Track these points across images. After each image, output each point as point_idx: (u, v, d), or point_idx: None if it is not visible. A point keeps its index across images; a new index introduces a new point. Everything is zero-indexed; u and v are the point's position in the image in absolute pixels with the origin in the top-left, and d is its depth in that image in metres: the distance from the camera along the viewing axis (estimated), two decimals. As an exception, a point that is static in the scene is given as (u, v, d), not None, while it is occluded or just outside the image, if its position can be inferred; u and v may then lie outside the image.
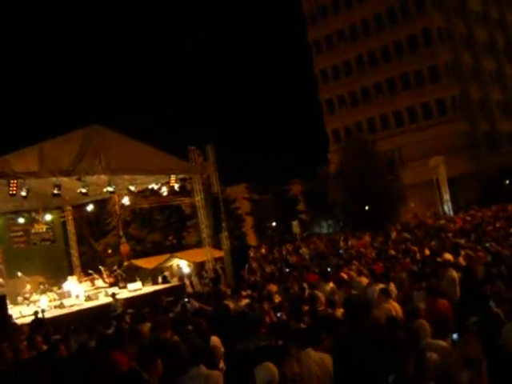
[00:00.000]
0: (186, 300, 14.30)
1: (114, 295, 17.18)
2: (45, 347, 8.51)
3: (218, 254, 25.25)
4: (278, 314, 8.01)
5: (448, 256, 12.18)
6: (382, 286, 9.24)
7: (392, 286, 9.65)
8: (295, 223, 39.85)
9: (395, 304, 7.88)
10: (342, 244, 28.03)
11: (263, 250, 35.93)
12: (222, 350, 6.61)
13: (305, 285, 11.44)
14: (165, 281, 24.02)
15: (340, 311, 7.43)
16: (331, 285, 10.71)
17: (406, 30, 54.95)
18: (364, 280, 10.91)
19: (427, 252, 14.76)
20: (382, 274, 10.70)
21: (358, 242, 27.21)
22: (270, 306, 8.97)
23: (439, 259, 12.04)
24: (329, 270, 14.42)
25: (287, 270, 18.41)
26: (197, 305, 12.38)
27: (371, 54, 57.73)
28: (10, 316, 16.12)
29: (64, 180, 19.02)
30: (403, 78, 56.49)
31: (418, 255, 14.19)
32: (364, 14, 57.03)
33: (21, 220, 24.28)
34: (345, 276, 11.18)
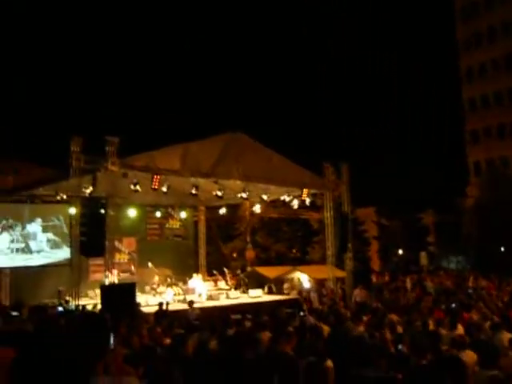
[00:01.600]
0: (303, 314, 14.28)
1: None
2: (167, 339, 8.90)
3: (340, 273, 25.01)
4: (399, 346, 7.77)
5: None
6: (509, 335, 8.70)
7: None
8: (423, 254, 38.49)
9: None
10: (471, 283, 26.61)
11: (386, 277, 35.04)
12: (333, 376, 6.51)
13: (430, 321, 10.98)
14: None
15: (465, 354, 7.06)
16: (458, 325, 10.20)
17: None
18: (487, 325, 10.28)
19: None
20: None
21: (488, 283, 25.70)
22: (391, 336, 8.73)
23: None
24: (453, 306, 13.81)
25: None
26: (313, 321, 12.31)
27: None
28: (138, 303, 17.01)
29: (201, 181, 19.81)
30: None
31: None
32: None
33: (158, 214, 25.60)
34: (474, 317, 10.61)
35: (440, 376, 5.37)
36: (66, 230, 21.87)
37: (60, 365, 1.81)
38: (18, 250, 21.35)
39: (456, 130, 58.68)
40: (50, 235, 22.04)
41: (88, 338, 2.61)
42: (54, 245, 21.98)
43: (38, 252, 21.75)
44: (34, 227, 21.75)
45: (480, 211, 42.47)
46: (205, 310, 17.94)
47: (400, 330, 9.67)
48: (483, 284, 25.41)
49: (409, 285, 28.07)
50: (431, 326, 9.88)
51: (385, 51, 70.55)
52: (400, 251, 48.98)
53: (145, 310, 16.95)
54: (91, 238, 16.56)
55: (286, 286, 25.95)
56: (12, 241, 21.26)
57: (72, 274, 19.05)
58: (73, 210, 19.81)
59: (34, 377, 1.82)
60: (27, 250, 21.52)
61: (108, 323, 2.94)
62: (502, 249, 39.77)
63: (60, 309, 16.14)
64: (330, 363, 6.49)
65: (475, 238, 41.37)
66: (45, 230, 21.94)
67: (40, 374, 1.83)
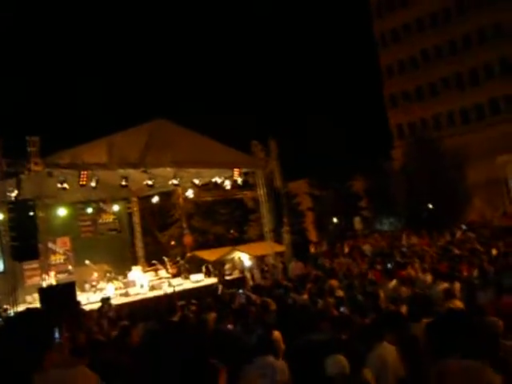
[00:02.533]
0: (241, 292, 14.46)
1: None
2: (114, 332, 8.86)
3: (279, 248, 25.41)
4: (342, 309, 8.05)
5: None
6: (446, 285, 9.13)
7: (456, 286, 9.50)
8: (357, 219, 39.48)
9: (459, 303, 7.76)
10: (404, 242, 27.64)
11: (324, 246, 35.86)
12: (283, 346, 6.69)
13: (367, 281, 11.39)
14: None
15: (403, 308, 7.39)
16: (394, 282, 10.63)
17: (475, 23, 53.20)
18: (428, 279, 10.78)
19: (494, 252, 14.40)
20: (446, 274, 10.55)
21: (420, 240, 26.78)
22: (332, 300, 9.01)
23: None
24: (389, 266, 14.30)
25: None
26: (257, 297, 12.51)
27: (438, 47, 56.30)
28: (79, 302, 16.76)
29: (131, 172, 19.60)
30: (471, 73, 54.80)
31: (484, 256, 13.85)
32: (432, 7, 55.63)
33: (89, 210, 25.13)
34: (410, 273, 11.08)
35: (381, 332, 5.61)
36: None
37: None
38: None
39: (376, 96, 60.16)
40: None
41: (28, 333, 2.59)
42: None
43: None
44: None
45: (406, 173, 43.93)
46: (148, 301, 17.91)
47: (341, 293, 9.97)
48: (415, 241, 26.45)
49: (346, 250, 28.89)
50: (368, 287, 10.24)
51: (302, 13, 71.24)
52: (335, 219, 50.05)
53: (87, 307, 16.71)
54: (23, 242, 16.14)
55: (227, 266, 26.14)
56: None
57: (6, 281, 18.50)
58: (0, 216, 19.21)
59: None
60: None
61: (48, 316, 2.93)
62: (430, 206, 41.35)
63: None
64: (277, 334, 6.65)
65: (404, 199, 42.81)
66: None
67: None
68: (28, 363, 2.24)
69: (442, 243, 22.26)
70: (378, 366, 5.06)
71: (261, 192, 24.69)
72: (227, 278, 23.21)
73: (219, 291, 17.98)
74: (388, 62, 59.95)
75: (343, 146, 45.55)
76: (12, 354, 2.07)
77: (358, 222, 39.19)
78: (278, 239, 25.71)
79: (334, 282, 12.18)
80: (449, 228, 30.23)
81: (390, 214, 49.69)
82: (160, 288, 21.52)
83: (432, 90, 57.24)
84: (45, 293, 16.34)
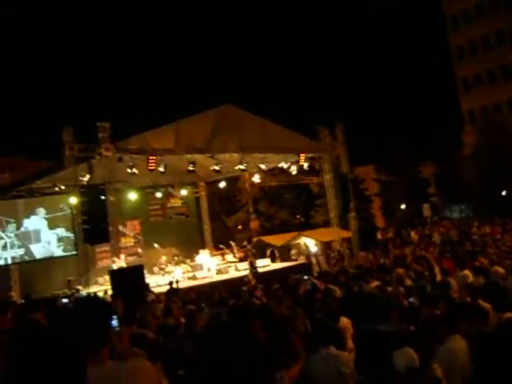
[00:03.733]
0: (306, 278, 14.35)
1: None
2: (181, 317, 8.95)
3: (346, 234, 25.11)
4: (411, 299, 7.81)
5: None
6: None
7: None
8: (426, 206, 38.54)
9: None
10: (475, 230, 26.77)
11: (390, 233, 35.23)
12: (352, 331, 6.59)
13: (437, 270, 11.04)
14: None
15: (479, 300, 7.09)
16: (467, 272, 10.25)
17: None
18: (499, 269, 10.33)
19: None
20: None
21: (492, 228, 25.85)
22: (401, 290, 8.78)
23: None
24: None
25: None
26: (323, 284, 12.39)
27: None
28: (148, 285, 17.10)
29: (198, 157, 19.76)
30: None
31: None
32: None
33: (158, 194, 25.58)
34: (484, 263, 10.66)
35: (454, 324, 5.38)
36: (68, 220, 21.90)
37: (57, 346, 1.77)
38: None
39: (447, 80, 58.18)
40: (54, 228, 22.06)
41: (87, 322, 2.56)
42: (58, 236, 22.04)
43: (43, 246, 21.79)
44: (36, 222, 21.71)
45: (478, 159, 42.40)
46: (215, 285, 18.06)
47: (409, 282, 9.72)
48: (487, 230, 25.56)
49: (415, 238, 28.26)
50: (439, 276, 9.92)
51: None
52: (403, 206, 49.08)
53: (155, 290, 17.03)
54: (94, 226, 16.55)
55: (293, 252, 26.09)
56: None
57: (79, 263, 19.14)
58: (73, 200, 19.82)
59: (29, 353, 1.77)
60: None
61: (108, 305, 2.90)
62: (504, 193, 39.83)
63: (65, 300, 16.10)
64: (346, 321, 6.55)
65: (475, 185, 41.38)
66: (49, 223, 21.95)
67: (35, 350, 1.76)
68: (83, 354, 2.18)
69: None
70: (447, 361, 4.82)
71: (327, 177, 24.43)
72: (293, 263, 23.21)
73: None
74: (460, 43, 57.72)
75: (413, 131, 44.45)
76: (67, 344, 2.02)
77: (426, 209, 38.27)
78: (344, 225, 25.41)
79: (401, 271, 11.89)
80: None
81: (461, 201, 48.25)
82: (227, 272, 21.72)
83: (506, 73, 54.71)
84: (115, 275, 16.74)
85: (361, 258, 20.89)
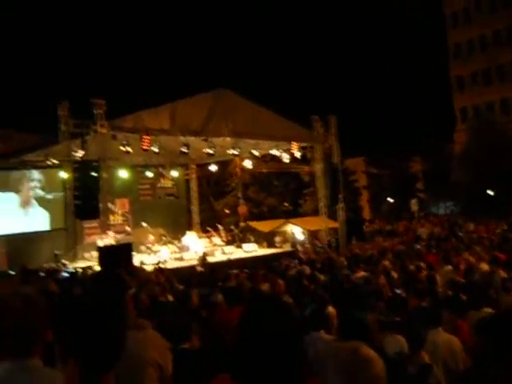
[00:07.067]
0: (295, 262, 14.54)
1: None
2: (169, 296, 9.09)
3: (333, 224, 25.34)
4: (398, 291, 8.01)
5: None
6: (503, 273, 8.99)
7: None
8: (413, 201, 38.94)
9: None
10: (461, 227, 27.08)
11: (377, 225, 35.52)
12: (336, 320, 6.75)
13: (422, 264, 11.25)
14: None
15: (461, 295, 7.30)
16: (450, 267, 10.49)
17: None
18: (484, 266, 10.57)
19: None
20: (505, 262, 10.34)
21: (478, 226, 26.17)
22: (387, 281, 8.99)
23: None
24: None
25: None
26: (309, 271, 12.57)
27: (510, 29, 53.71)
28: (142, 262, 17.19)
29: (191, 139, 19.80)
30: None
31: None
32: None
33: (149, 174, 25.61)
34: (469, 259, 10.90)
35: (438, 316, 5.56)
36: (59, 194, 21.88)
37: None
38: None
39: (441, 77, 58.40)
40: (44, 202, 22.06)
41: (110, 294, 2.68)
42: (48, 209, 22.04)
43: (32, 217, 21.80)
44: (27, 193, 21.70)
45: (467, 157, 42.72)
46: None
47: (395, 274, 9.93)
48: (472, 227, 25.87)
49: (401, 230, 28.59)
50: (424, 270, 10.14)
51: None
52: (390, 199, 49.46)
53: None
54: (85, 202, 16.62)
55: (277, 239, 26.11)
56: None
57: (67, 237, 19.20)
58: (64, 175, 19.83)
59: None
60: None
61: (121, 279, 3.04)
62: (491, 193, 40.21)
63: (65, 274, 16.23)
64: (332, 309, 6.70)
65: (464, 183, 41.73)
66: (38, 195, 21.94)
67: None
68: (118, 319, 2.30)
69: (499, 231, 21.72)
70: (429, 354, 4.95)
71: (318, 167, 24.63)
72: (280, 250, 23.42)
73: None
74: (457, 41, 57.80)
75: (404, 126, 44.70)
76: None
77: (414, 204, 38.65)
78: (331, 215, 25.64)
79: (388, 263, 12.12)
80: (507, 217, 29.33)
81: (448, 198, 48.69)
82: (213, 255, 21.85)
83: (500, 73, 54.93)
84: (104, 251, 16.87)
85: (354, 247, 21.12)
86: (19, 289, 2.16)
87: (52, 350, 1.97)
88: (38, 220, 21.80)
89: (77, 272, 16.17)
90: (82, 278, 12.98)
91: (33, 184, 21.76)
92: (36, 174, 21.92)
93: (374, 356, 2.11)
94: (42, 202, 21.94)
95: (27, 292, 2.18)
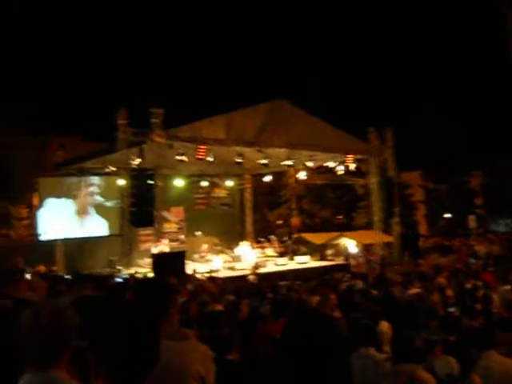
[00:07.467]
0: (349, 278, 14.37)
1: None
2: (218, 306, 9.13)
3: (387, 238, 24.93)
4: (451, 309, 7.80)
5: None
6: None
7: None
8: (472, 217, 37.84)
9: None
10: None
11: (433, 241, 34.74)
12: (390, 335, 6.64)
13: (479, 283, 10.94)
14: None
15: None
16: (509, 287, 10.15)
17: None
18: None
19: None
20: None
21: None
22: (441, 299, 8.77)
23: None
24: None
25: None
26: (362, 285, 12.41)
27: None
28: (194, 270, 17.34)
29: (246, 150, 19.93)
30: None
31: None
32: None
33: (204, 183, 25.90)
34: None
35: (492, 337, 5.37)
36: (116, 201, 22.37)
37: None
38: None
39: (503, 93, 56.69)
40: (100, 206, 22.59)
41: (157, 300, 2.71)
42: (104, 216, 22.56)
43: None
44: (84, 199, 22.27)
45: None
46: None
47: (450, 293, 9.67)
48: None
49: (457, 246, 27.88)
50: (481, 289, 9.85)
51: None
52: (448, 215, 48.31)
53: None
54: (141, 209, 16.91)
55: (329, 251, 25.85)
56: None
57: (123, 244, 19.58)
58: (121, 182, 20.26)
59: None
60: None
61: (174, 287, 3.06)
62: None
63: (118, 280, 16.58)
64: (385, 325, 6.61)
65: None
66: (95, 201, 22.49)
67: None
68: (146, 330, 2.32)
69: None
70: (483, 376, 4.73)
71: (373, 180, 24.34)
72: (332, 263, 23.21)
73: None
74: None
75: (464, 139, 43.65)
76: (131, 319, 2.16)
77: (472, 220, 37.58)
78: (386, 229, 25.23)
79: (443, 280, 11.82)
80: None
81: (508, 216, 47.19)
82: (265, 266, 21.84)
83: None
84: (157, 258, 17.11)
85: (409, 262, 20.72)
86: (50, 301, 2.21)
87: (86, 364, 2.01)
88: (94, 226, 22.34)
89: (129, 278, 16.47)
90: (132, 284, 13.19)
91: (91, 189, 22.30)
92: (95, 180, 22.49)
93: (430, 380, 2.06)
94: (99, 208, 22.48)
95: (57, 305, 2.24)
